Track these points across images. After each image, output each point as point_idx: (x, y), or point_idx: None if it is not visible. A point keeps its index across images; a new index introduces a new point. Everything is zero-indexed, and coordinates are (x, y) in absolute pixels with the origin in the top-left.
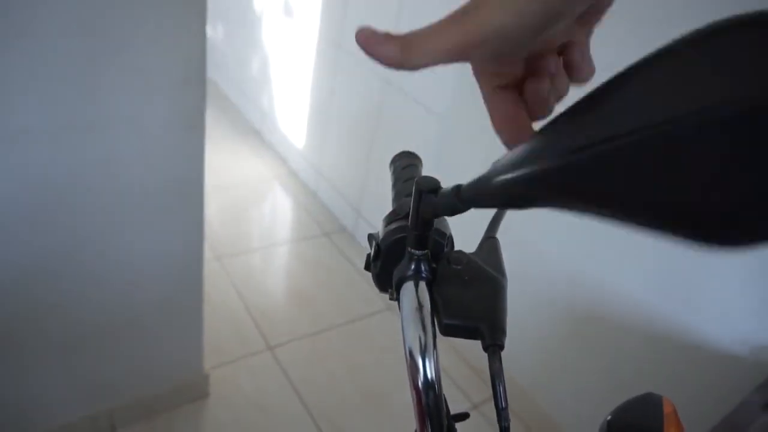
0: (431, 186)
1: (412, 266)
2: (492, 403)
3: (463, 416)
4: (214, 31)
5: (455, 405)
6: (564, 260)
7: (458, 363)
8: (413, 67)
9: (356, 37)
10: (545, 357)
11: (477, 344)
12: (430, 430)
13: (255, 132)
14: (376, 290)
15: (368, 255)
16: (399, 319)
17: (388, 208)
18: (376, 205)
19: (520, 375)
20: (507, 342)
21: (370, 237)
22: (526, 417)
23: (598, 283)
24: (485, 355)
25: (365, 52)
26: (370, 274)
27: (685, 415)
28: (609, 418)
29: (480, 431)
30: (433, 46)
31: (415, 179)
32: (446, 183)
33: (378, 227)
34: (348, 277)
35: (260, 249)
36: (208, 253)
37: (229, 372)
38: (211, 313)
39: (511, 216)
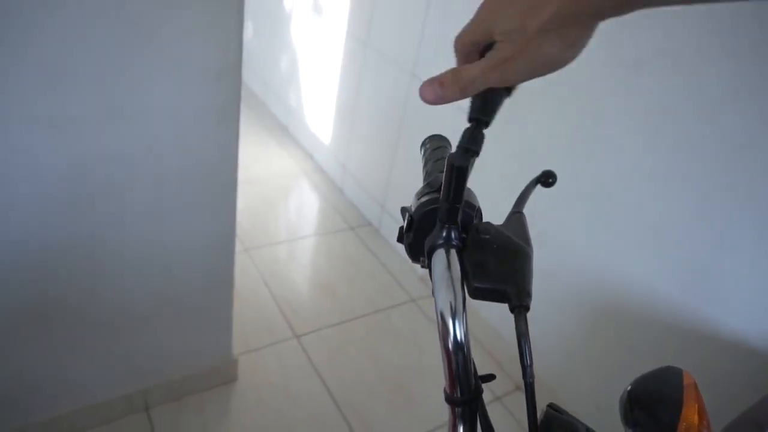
0: (463, 162)
1: (443, 234)
2: (513, 396)
3: (490, 377)
4: (244, 29)
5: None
6: (586, 253)
7: (481, 354)
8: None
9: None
10: (565, 348)
11: (500, 336)
12: (459, 388)
13: (282, 128)
14: (399, 283)
15: (401, 227)
16: (421, 310)
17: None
18: (400, 200)
19: (540, 365)
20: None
21: (403, 210)
22: (545, 406)
23: (620, 276)
24: (506, 346)
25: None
26: (394, 266)
27: (707, 405)
28: (629, 388)
29: (501, 419)
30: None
31: (447, 155)
32: (474, 178)
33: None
34: (372, 270)
35: (287, 242)
36: (237, 245)
37: (256, 358)
38: (240, 302)
39: (535, 209)
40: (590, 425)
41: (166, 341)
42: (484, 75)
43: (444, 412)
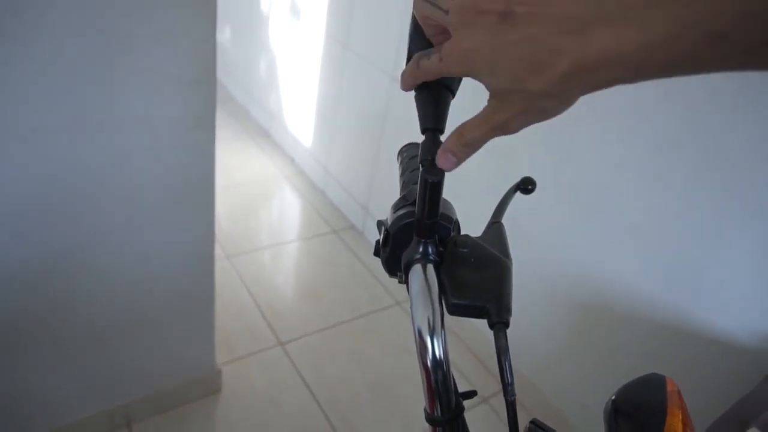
0: (437, 178)
1: (420, 249)
2: (499, 396)
3: (471, 394)
4: (221, 33)
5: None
6: (570, 252)
7: (468, 357)
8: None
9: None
10: (551, 348)
11: (487, 340)
12: (439, 407)
13: (263, 132)
14: (384, 286)
15: (377, 241)
16: (407, 313)
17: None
18: (384, 202)
19: (526, 365)
20: (513, 334)
21: (379, 223)
22: (531, 407)
23: (604, 275)
24: (491, 345)
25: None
26: (379, 270)
27: (692, 405)
28: (613, 397)
29: (489, 422)
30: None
31: (421, 170)
32: (454, 178)
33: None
34: (356, 274)
35: (269, 247)
36: (218, 252)
37: (240, 367)
38: (222, 310)
39: (521, 210)
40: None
41: (147, 354)
42: (488, 135)
43: None
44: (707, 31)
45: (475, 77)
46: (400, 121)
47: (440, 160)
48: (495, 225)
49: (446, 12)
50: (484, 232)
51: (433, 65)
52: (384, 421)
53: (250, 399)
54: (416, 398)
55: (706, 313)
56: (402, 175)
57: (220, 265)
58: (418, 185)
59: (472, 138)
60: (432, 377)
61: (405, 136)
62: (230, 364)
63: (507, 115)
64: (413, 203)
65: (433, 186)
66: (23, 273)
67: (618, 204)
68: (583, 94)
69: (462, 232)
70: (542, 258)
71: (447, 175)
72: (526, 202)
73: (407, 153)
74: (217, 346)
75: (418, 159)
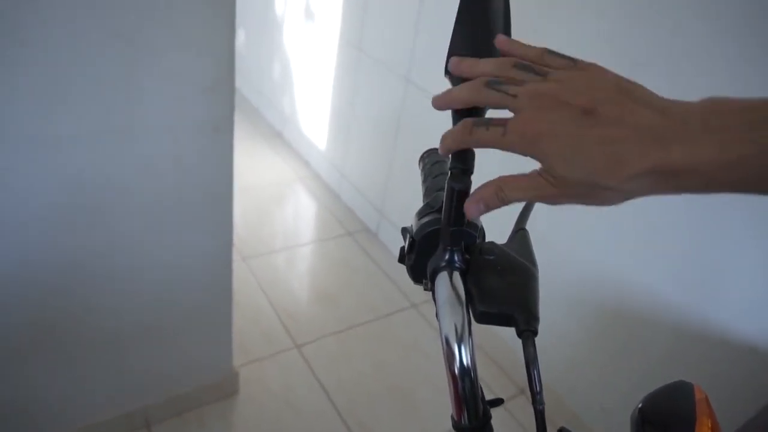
0: (464, 186)
1: (446, 257)
2: (516, 400)
3: (498, 402)
4: (236, 37)
5: (500, 391)
6: (590, 258)
7: (484, 361)
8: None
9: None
10: (569, 352)
11: (502, 341)
12: (466, 415)
13: (277, 135)
14: (399, 288)
15: (402, 248)
16: (422, 316)
17: (412, 207)
18: (398, 205)
19: (544, 369)
20: (537, 343)
21: (404, 230)
22: (549, 411)
23: (624, 280)
24: (512, 353)
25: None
26: (394, 272)
27: (716, 412)
28: (640, 405)
29: (507, 426)
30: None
31: (448, 177)
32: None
33: (402, 225)
34: (371, 276)
35: (285, 249)
36: (234, 255)
37: (257, 370)
38: (239, 312)
39: (538, 215)
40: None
41: (166, 357)
42: (529, 200)
43: (449, 419)
44: None
45: (541, 160)
46: (414, 124)
47: (470, 208)
48: (520, 232)
49: (514, 96)
50: (509, 239)
51: (492, 137)
52: (401, 425)
53: (266, 401)
54: (433, 402)
55: (726, 315)
56: (425, 181)
57: (236, 267)
58: (445, 193)
59: (512, 198)
60: (459, 385)
61: (420, 138)
62: (247, 366)
63: (562, 194)
64: (438, 210)
65: (459, 194)
66: (44, 277)
67: (635, 206)
68: (647, 195)
69: (487, 240)
70: (559, 261)
71: (472, 181)
72: (544, 208)
73: (429, 159)
74: (234, 348)
75: (448, 166)
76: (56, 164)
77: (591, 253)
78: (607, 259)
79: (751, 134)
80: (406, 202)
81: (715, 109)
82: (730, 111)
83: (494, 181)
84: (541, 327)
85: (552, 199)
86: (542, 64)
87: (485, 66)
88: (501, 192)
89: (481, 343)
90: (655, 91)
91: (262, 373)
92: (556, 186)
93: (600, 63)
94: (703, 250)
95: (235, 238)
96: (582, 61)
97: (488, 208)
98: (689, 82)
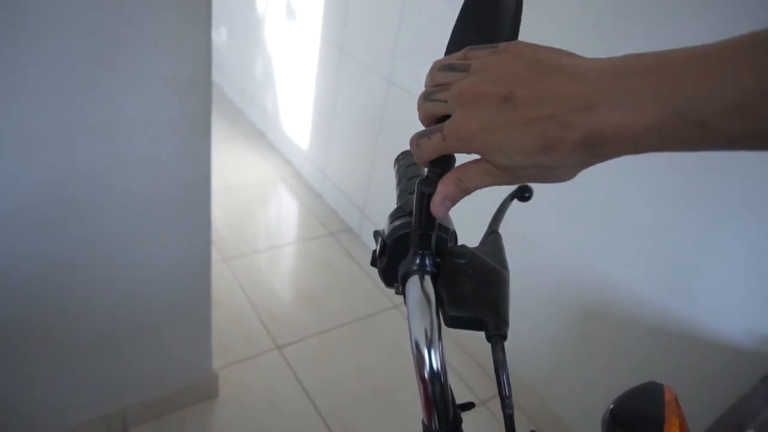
0: (433, 190)
1: (417, 260)
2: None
3: (469, 406)
4: (217, 35)
5: (462, 401)
6: (569, 257)
7: (466, 360)
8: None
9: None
10: (551, 353)
11: (484, 342)
12: (436, 419)
13: (259, 134)
14: (381, 289)
15: (374, 251)
16: (405, 316)
17: (393, 208)
18: (380, 205)
19: (527, 371)
20: (514, 339)
21: (376, 234)
22: (532, 412)
23: (602, 279)
24: (488, 349)
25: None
26: (376, 272)
27: (690, 407)
28: (611, 407)
29: (487, 425)
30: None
31: (417, 180)
32: None
33: (382, 227)
34: (354, 277)
35: (266, 250)
36: (214, 255)
37: (237, 372)
38: (219, 313)
39: (517, 215)
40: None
41: (143, 359)
42: (489, 185)
43: None
44: (692, 119)
45: (482, 155)
46: (396, 124)
47: (437, 208)
48: (492, 235)
49: (444, 101)
50: (482, 242)
51: (435, 144)
52: (383, 426)
53: (247, 403)
54: (415, 402)
55: (704, 316)
56: (399, 183)
57: (217, 268)
58: (415, 196)
59: (472, 186)
60: (429, 389)
61: (401, 139)
62: (227, 368)
63: (514, 178)
64: (410, 214)
65: (429, 197)
66: (19, 278)
67: (617, 209)
68: (590, 165)
69: (459, 243)
70: (542, 263)
71: None
72: (525, 209)
73: (404, 161)
74: (213, 350)
75: (422, 169)
76: (27, 163)
77: (572, 254)
78: (588, 260)
79: (663, 95)
80: (388, 202)
81: (630, 68)
82: (646, 70)
83: (452, 173)
84: (525, 328)
85: (508, 183)
86: (466, 59)
87: (426, 79)
88: (461, 183)
89: (464, 344)
90: None
91: (243, 375)
92: (506, 172)
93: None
94: (683, 250)
95: (216, 238)
96: (503, 44)
97: (453, 202)
98: None
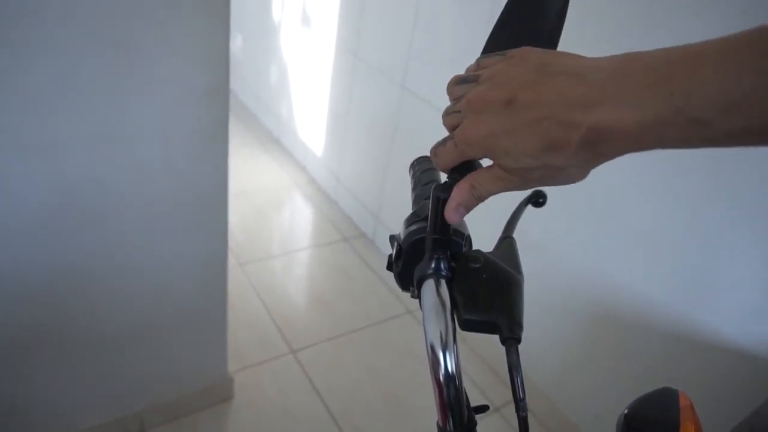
0: (448, 195)
1: (432, 265)
2: (512, 406)
3: (483, 408)
4: (233, 42)
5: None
6: (581, 262)
7: (480, 366)
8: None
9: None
10: (563, 358)
11: (498, 348)
12: (451, 421)
13: (274, 140)
14: (395, 295)
15: (390, 255)
16: (418, 322)
17: (407, 213)
18: (395, 210)
19: (539, 375)
20: (526, 343)
21: (392, 238)
22: (544, 417)
23: (614, 284)
24: (503, 354)
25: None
26: (390, 278)
27: (704, 416)
28: (626, 411)
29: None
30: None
31: (433, 186)
32: None
33: (397, 232)
34: (368, 282)
35: (281, 255)
36: (230, 260)
37: (252, 375)
38: (235, 318)
39: (531, 220)
40: None
41: (160, 362)
42: (503, 191)
43: None
44: (692, 117)
45: (492, 158)
46: (410, 130)
47: (451, 215)
48: (506, 240)
49: (458, 112)
50: (496, 247)
51: (449, 152)
52: (394, 429)
53: (261, 407)
54: (428, 408)
55: (717, 320)
56: (414, 188)
57: (232, 273)
58: (430, 202)
59: (486, 193)
60: (444, 392)
61: (415, 144)
62: (242, 372)
63: (525, 181)
64: (425, 219)
65: (444, 203)
66: (38, 282)
67: (627, 212)
68: (596, 163)
69: (474, 248)
70: (552, 268)
71: None
72: (536, 214)
73: (419, 166)
74: (229, 354)
75: (437, 174)
76: (50, 170)
77: (585, 259)
78: (601, 265)
79: (662, 92)
80: (402, 208)
81: (631, 66)
82: (646, 67)
83: (465, 180)
84: (536, 333)
85: (520, 188)
86: (477, 69)
87: (448, 95)
88: (475, 190)
89: (478, 350)
90: None
91: (257, 379)
92: (515, 175)
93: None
94: (695, 254)
95: (232, 243)
96: (511, 51)
97: (468, 210)
98: None
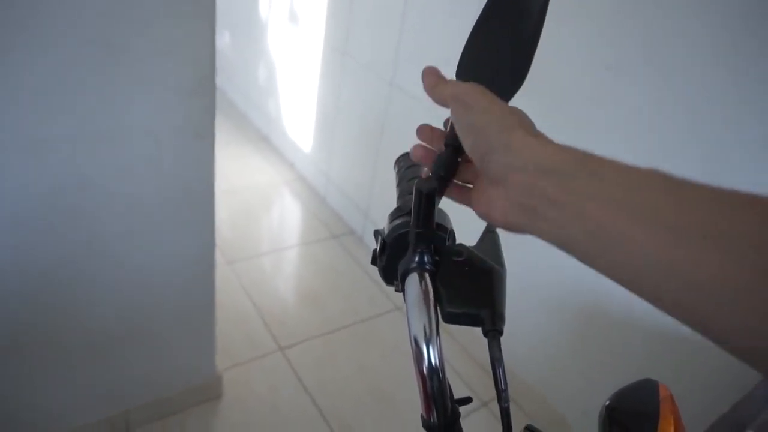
0: (430, 189)
1: (416, 258)
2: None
3: (467, 400)
4: (220, 39)
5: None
6: (569, 258)
7: (467, 362)
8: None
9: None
10: (552, 353)
11: (485, 343)
12: (435, 413)
13: (263, 137)
14: (384, 291)
15: (374, 250)
16: (406, 319)
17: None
18: (383, 207)
19: (528, 371)
20: (514, 339)
21: (376, 233)
22: (533, 413)
23: (603, 280)
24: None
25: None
26: (377, 274)
27: (690, 407)
28: (607, 403)
29: (489, 426)
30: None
31: (416, 182)
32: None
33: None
34: (357, 279)
35: (270, 252)
36: (218, 258)
37: (241, 373)
38: (223, 315)
39: None
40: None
41: (147, 361)
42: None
43: None
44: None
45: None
46: (398, 128)
47: (425, 74)
48: (489, 234)
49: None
50: (479, 241)
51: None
52: (384, 427)
53: (250, 405)
54: (416, 403)
55: None
56: (399, 184)
57: (221, 271)
58: (413, 196)
59: (440, 98)
60: (428, 384)
61: (404, 142)
62: (231, 369)
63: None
64: (409, 213)
65: (427, 197)
66: (23, 282)
67: None
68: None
69: (457, 242)
70: (542, 263)
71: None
72: None
73: (404, 163)
74: (217, 351)
75: (420, 170)
76: (32, 168)
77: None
78: None
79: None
80: (391, 205)
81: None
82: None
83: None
84: (525, 328)
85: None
86: None
87: None
88: (439, 88)
89: (466, 346)
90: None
91: (246, 376)
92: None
93: (573, 66)
94: None
95: (220, 241)
96: None
97: (427, 89)
98: (689, 89)
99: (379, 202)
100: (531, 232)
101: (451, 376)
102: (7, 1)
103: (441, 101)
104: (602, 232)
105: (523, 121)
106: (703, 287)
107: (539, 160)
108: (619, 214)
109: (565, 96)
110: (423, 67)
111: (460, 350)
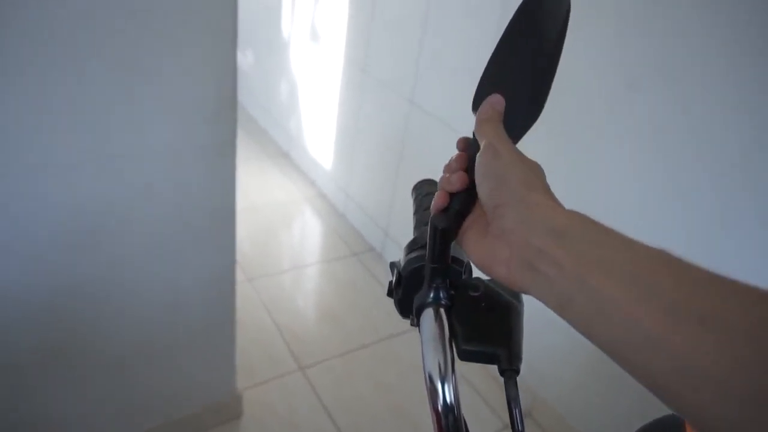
0: (446, 225)
1: (432, 294)
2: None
3: None
4: (243, 57)
5: (485, 424)
6: None
7: (491, 384)
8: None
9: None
10: (570, 371)
11: (496, 380)
12: None
13: (283, 155)
14: None
15: (390, 282)
16: (420, 348)
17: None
18: (403, 225)
19: (545, 389)
20: (539, 364)
21: (392, 265)
22: (550, 428)
23: None
24: (498, 385)
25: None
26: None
27: None
28: None
29: None
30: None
31: (431, 217)
32: None
33: (399, 256)
34: (377, 297)
35: (290, 270)
36: (239, 275)
37: (261, 392)
38: (243, 334)
39: None
40: None
41: (169, 379)
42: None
43: None
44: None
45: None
46: (418, 145)
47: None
48: None
49: None
50: None
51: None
52: None
53: (270, 424)
54: None
55: None
56: (416, 212)
57: (241, 288)
58: (429, 230)
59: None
60: (443, 422)
61: (423, 159)
62: (251, 389)
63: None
64: (424, 246)
65: (442, 233)
66: (46, 300)
67: (636, 225)
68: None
69: (473, 275)
70: None
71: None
72: None
73: (421, 190)
74: (237, 370)
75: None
76: (57, 189)
77: None
78: None
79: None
80: (411, 223)
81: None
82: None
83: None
84: (543, 345)
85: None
86: None
87: None
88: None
89: (487, 367)
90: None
91: (266, 396)
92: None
93: (593, 76)
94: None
95: (241, 258)
96: None
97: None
98: (680, 97)
99: (399, 219)
100: (532, 292)
101: (465, 390)
102: (38, 27)
103: (478, 134)
104: (602, 301)
105: (543, 182)
106: (697, 372)
107: (550, 222)
108: (620, 285)
109: (583, 109)
110: (490, 97)
111: (482, 370)
